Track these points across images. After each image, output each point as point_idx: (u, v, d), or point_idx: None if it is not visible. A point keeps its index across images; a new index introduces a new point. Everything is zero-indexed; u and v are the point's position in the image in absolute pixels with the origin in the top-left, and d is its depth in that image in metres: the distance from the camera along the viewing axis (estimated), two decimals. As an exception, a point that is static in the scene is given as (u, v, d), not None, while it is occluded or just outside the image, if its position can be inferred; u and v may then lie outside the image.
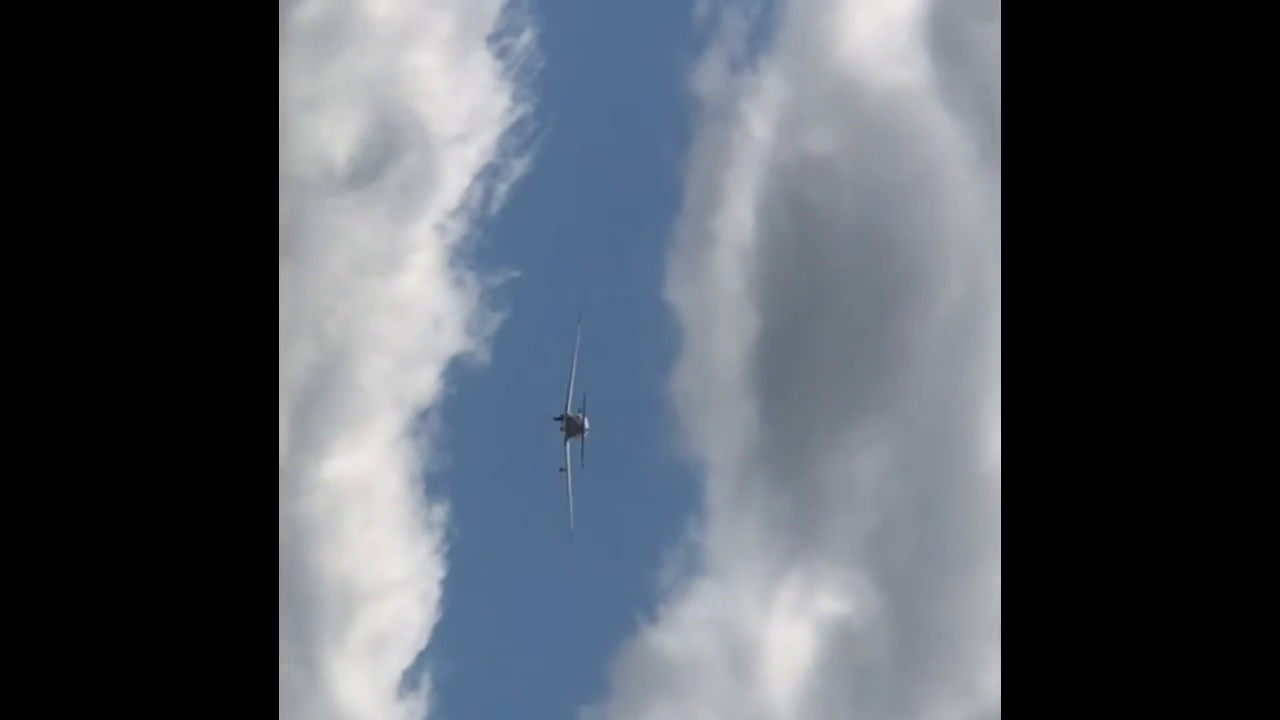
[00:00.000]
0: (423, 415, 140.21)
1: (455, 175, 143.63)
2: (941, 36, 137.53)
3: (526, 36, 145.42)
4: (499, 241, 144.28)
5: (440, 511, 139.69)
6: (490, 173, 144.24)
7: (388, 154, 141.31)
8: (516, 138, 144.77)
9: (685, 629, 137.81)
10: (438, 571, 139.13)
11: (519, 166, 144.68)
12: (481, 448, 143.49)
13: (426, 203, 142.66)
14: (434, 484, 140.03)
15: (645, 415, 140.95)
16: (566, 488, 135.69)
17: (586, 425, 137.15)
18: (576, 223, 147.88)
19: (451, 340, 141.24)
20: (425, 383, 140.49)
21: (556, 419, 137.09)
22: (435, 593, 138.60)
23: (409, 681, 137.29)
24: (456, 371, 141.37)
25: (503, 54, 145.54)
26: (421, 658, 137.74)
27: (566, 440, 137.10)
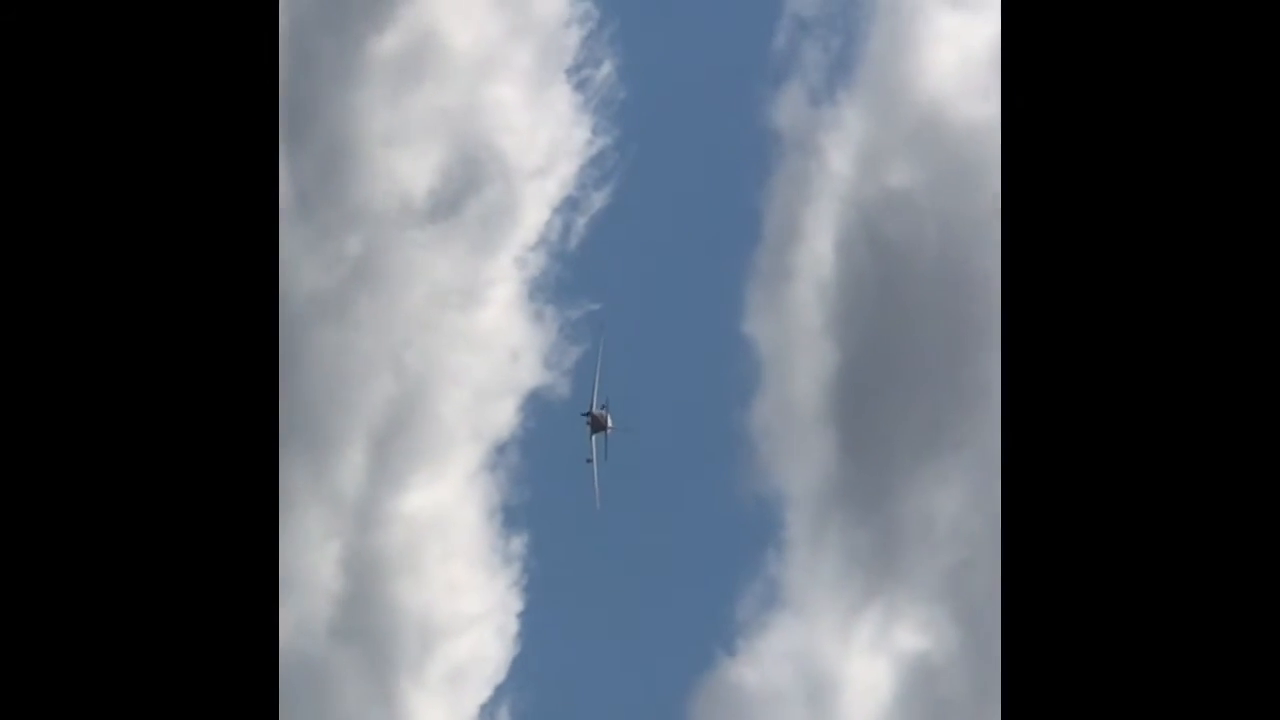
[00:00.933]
0: (501, 449, 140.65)
1: (535, 208, 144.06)
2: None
3: (606, 68, 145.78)
4: (578, 275, 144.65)
5: (518, 545, 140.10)
6: (570, 206, 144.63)
7: (468, 187, 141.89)
8: (596, 170, 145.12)
9: (764, 663, 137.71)
10: (516, 605, 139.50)
11: (598, 199, 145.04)
12: (560, 481, 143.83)
13: (506, 236, 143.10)
14: (512, 517, 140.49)
15: (724, 448, 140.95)
16: (593, 476, 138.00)
17: (610, 423, 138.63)
18: (656, 255, 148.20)
19: (530, 373, 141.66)
20: (504, 416, 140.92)
21: (583, 414, 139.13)
22: (513, 626, 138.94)
23: (487, 715, 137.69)
24: (535, 404, 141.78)
25: (582, 86, 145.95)
26: (500, 691, 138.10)
27: (592, 435, 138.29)
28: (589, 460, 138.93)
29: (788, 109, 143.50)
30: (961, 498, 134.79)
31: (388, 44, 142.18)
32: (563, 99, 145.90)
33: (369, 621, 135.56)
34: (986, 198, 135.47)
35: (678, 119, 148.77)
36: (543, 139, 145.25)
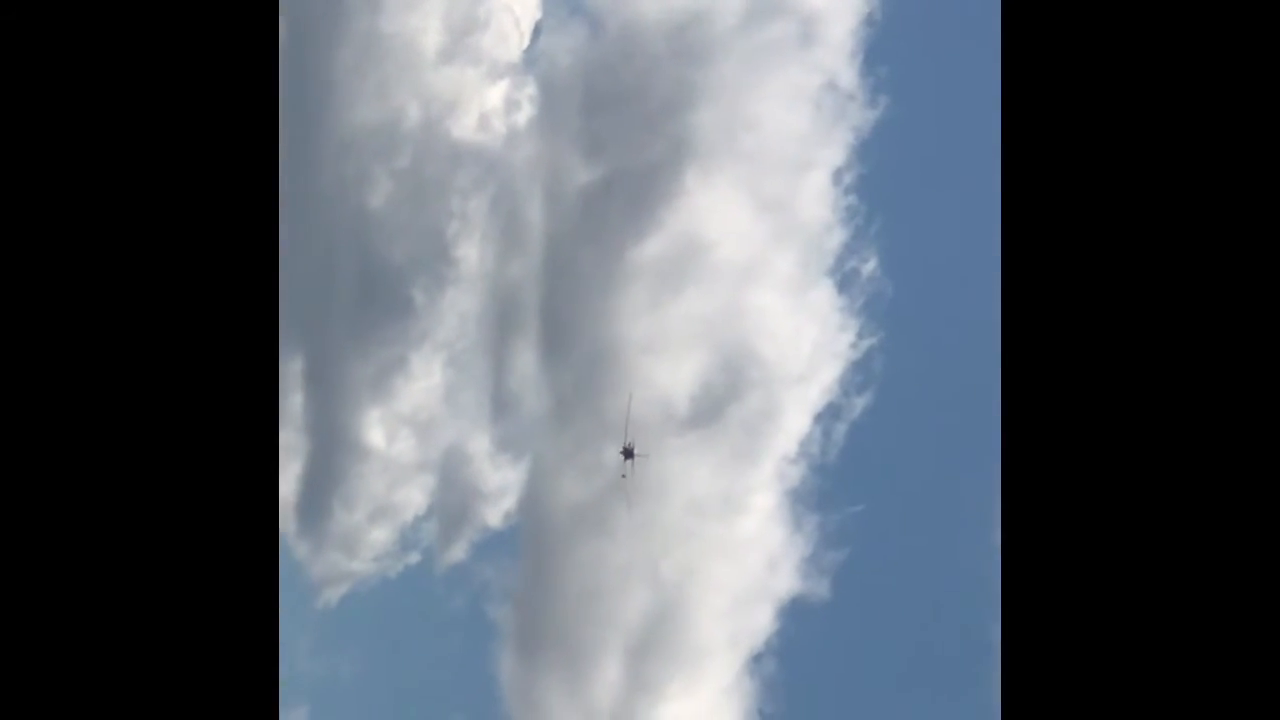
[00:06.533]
0: (758, 658, 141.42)
1: (796, 415, 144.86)
2: None
3: (871, 265, 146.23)
4: (839, 481, 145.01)
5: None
6: (831, 413, 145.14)
7: (728, 395, 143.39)
8: (858, 374, 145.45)
9: None
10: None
11: (859, 403, 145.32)
12: (817, 688, 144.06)
13: (767, 444, 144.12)
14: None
15: (977, 657, 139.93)
16: (627, 490, 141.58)
17: (636, 451, 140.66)
18: (915, 460, 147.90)
19: (788, 581, 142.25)
20: (761, 624, 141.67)
21: (620, 452, 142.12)
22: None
23: None
24: (793, 612, 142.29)
25: (844, 288, 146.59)
26: None
27: (625, 460, 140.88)
28: (624, 476, 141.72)
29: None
30: None
31: (649, 251, 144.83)
32: (825, 302, 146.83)
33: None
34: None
35: (938, 319, 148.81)
36: (805, 343, 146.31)
